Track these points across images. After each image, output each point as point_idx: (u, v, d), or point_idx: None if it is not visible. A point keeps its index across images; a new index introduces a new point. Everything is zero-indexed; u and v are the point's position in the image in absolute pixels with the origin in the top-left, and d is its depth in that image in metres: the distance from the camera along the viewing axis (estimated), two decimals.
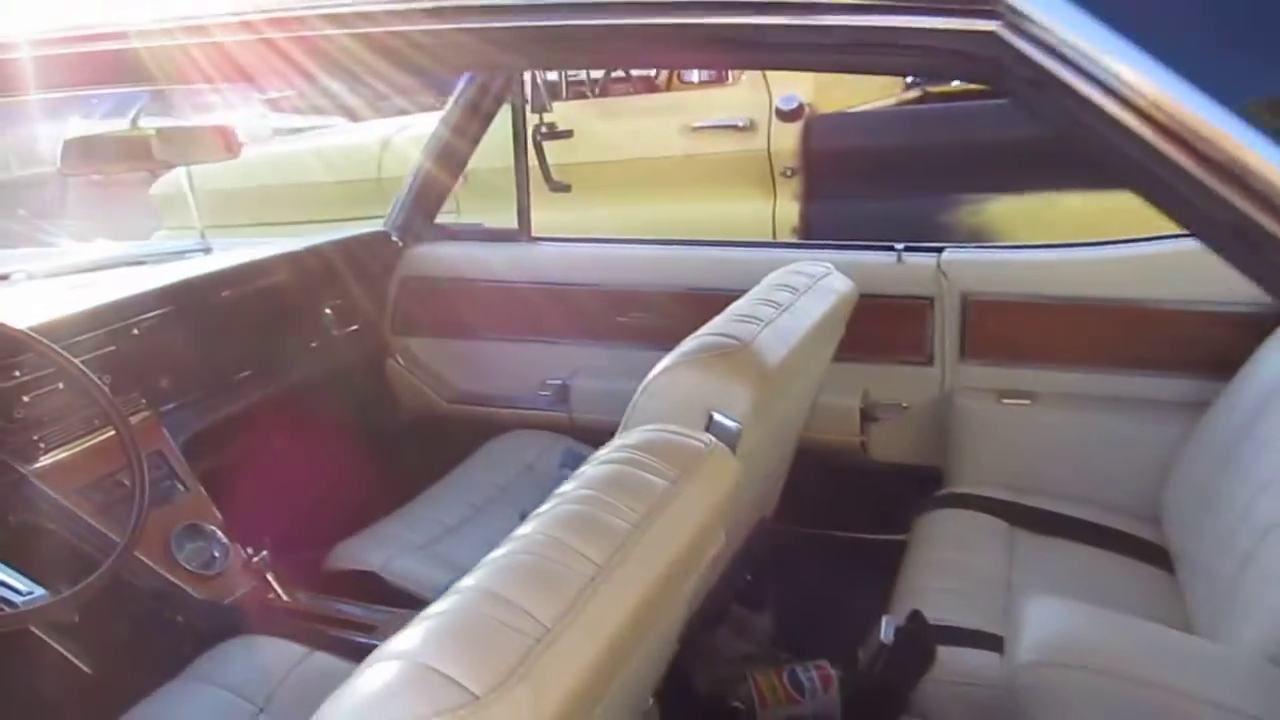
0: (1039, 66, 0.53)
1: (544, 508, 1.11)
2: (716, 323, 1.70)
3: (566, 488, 1.15)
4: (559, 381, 2.61)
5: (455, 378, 2.73)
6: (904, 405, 2.36)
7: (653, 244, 2.70)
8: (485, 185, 3.49)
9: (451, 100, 2.64)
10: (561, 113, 3.95)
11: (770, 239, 3.71)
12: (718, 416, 1.53)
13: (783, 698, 1.96)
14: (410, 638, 0.86)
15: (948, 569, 1.91)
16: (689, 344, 1.62)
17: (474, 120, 2.63)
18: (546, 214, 3.41)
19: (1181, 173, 0.49)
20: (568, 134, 3.98)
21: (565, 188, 3.79)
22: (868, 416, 2.36)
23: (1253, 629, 1.50)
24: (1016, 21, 0.53)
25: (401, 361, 2.71)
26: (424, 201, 2.71)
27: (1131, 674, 1.37)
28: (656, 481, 1.14)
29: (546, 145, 3.78)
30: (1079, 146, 0.55)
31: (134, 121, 2.56)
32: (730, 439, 1.53)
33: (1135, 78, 0.50)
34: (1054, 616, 1.45)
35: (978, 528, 2.06)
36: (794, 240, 3.68)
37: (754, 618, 2.23)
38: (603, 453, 1.22)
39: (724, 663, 2.10)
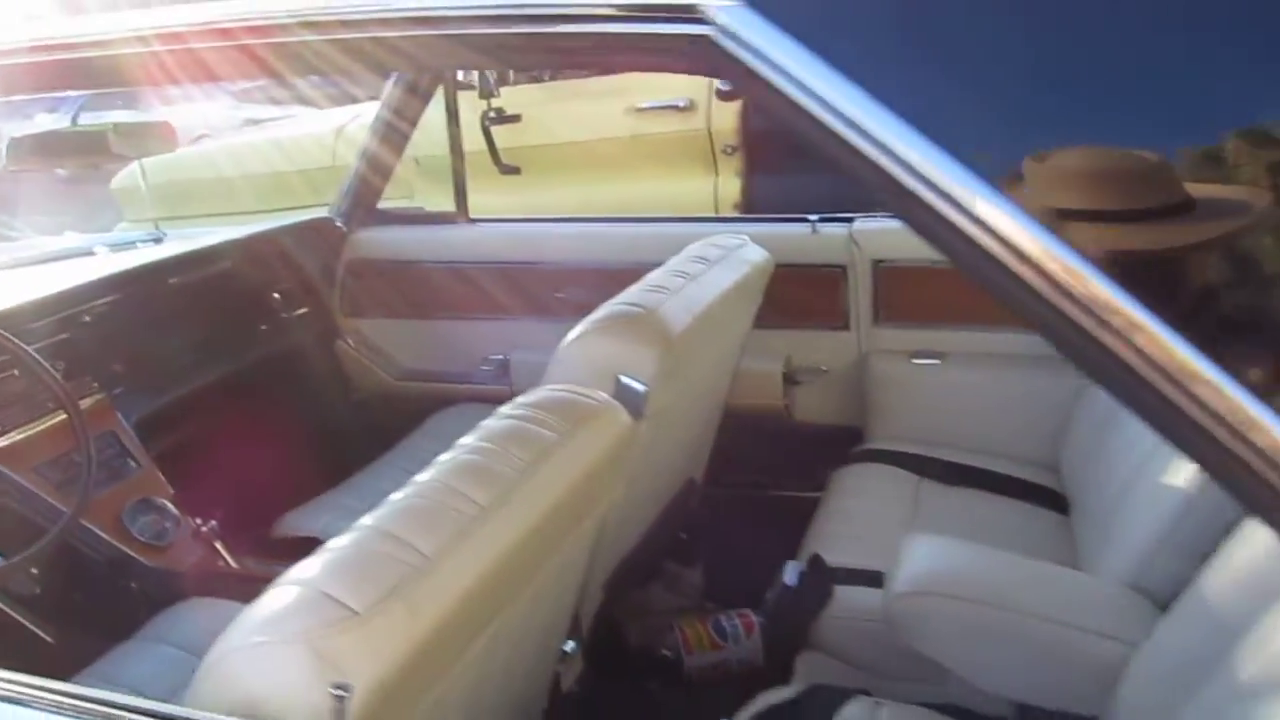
0: (745, 66, 0.65)
1: (443, 458, 1.24)
2: (628, 293, 1.83)
3: (466, 440, 1.28)
4: (500, 356, 2.72)
5: (403, 356, 2.84)
6: (824, 369, 2.49)
7: (585, 222, 2.82)
8: (442, 170, 3.59)
9: (388, 87, 2.73)
10: (511, 97, 4.05)
11: (713, 214, 3.82)
12: (624, 379, 1.65)
13: (707, 644, 2.08)
14: (308, 568, 0.99)
15: (855, 518, 2.04)
16: (599, 313, 1.75)
17: (410, 106, 2.73)
18: (500, 198, 3.52)
19: (855, 152, 0.61)
20: (515, 118, 4.07)
21: (515, 170, 3.88)
22: (790, 380, 2.49)
23: (1119, 559, 1.64)
24: (725, 28, 0.66)
25: (351, 342, 2.82)
26: (366, 188, 2.81)
27: (996, 601, 1.50)
28: (546, 434, 1.26)
29: (496, 130, 3.88)
30: (790, 132, 0.67)
31: (74, 119, 2.65)
32: (636, 400, 1.66)
33: (812, 77, 0.63)
34: (929, 552, 1.59)
35: (888, 480, 2.19)
36: (732, 215, 3.79)
37: (685, 573, 2.36)
38: (504, 409, 1.35)
39: (655, 615, 2.23)
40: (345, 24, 0.82)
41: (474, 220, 2.85)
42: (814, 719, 1.44)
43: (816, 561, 1.82)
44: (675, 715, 1.98)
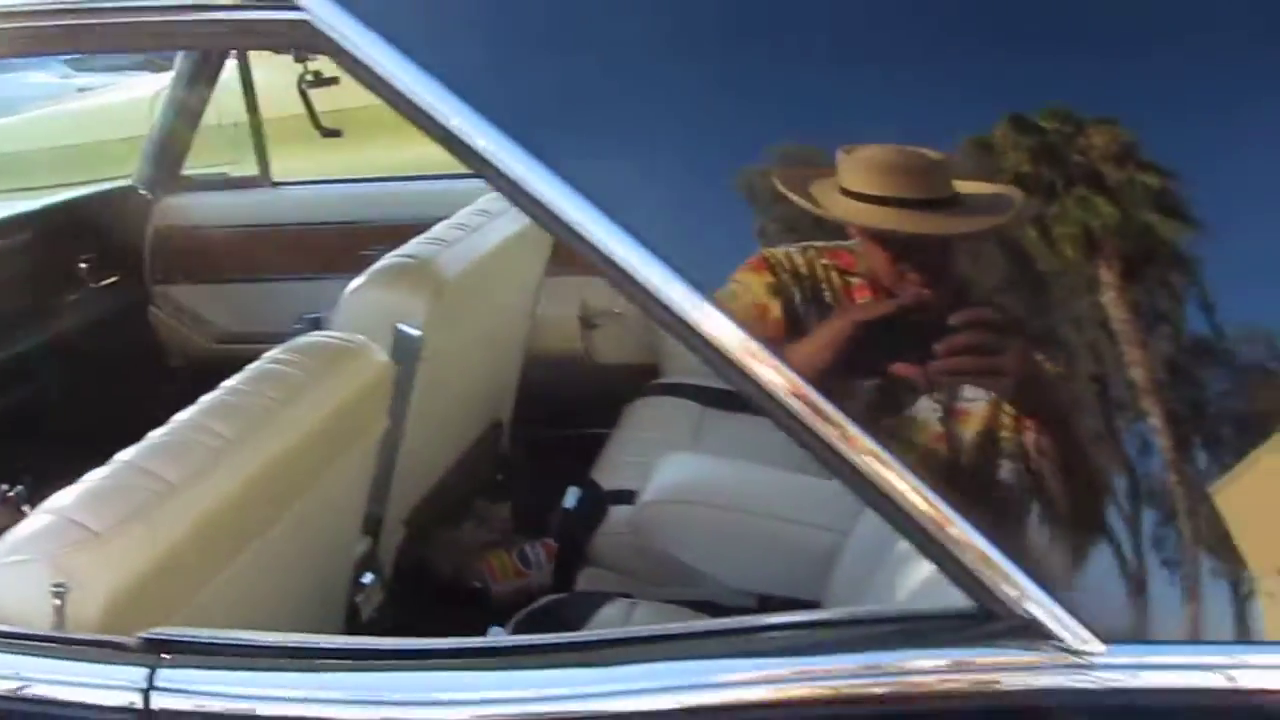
0: (339, 47, 0.79)
1: (203, 399, 1.35)
2: (406, 245, 1.95)
3: (229, 383, 1.39)
4: (314, 315, 2.80)
5: (219, 320, 2.89)
6: (618, 311, 2.64)
7: (385, 181, 2.92)
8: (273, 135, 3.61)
9: (180, 54, 2.75)
10: (329, 60, 4.07)
11: None
12: (401, 326, 1.78)
13: (512, 573, 2.24)
14: (61, 499, 1.11)
15: (637, 446, 2.21)
16: (377, 265, 1.87)
17: (202, 71, 2.76)
18: (323, 161, 3.56)
19: (430, 119, 0.76)
20: (334, 81, 4.09)
21: (336, 134, 3.91)
22: (587, 324, 2.65)
23: None
24: (317, 13, 0.79)
25: (163, 308, 2.86)
26: (168, 154, 2.84)
27: (732, 504, 1.69)
28: (296, 374, 1.39)
29: (315, 93, 3.90)
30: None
31: None
32: (413, 345, 1.79)
33: (387, 58, 0.78)
34: (676, 467, 1.76)
35: (673, 411, 2.36)
36: None
37: (495, 509, 2.50)
38: (267, 355, 1.47)
39: (467, 551, 2.38)
40: None
41: (277, 184, 2.91)
42: (574, 618, 1.59)
43: (592, 485, 1.99)
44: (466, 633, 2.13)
